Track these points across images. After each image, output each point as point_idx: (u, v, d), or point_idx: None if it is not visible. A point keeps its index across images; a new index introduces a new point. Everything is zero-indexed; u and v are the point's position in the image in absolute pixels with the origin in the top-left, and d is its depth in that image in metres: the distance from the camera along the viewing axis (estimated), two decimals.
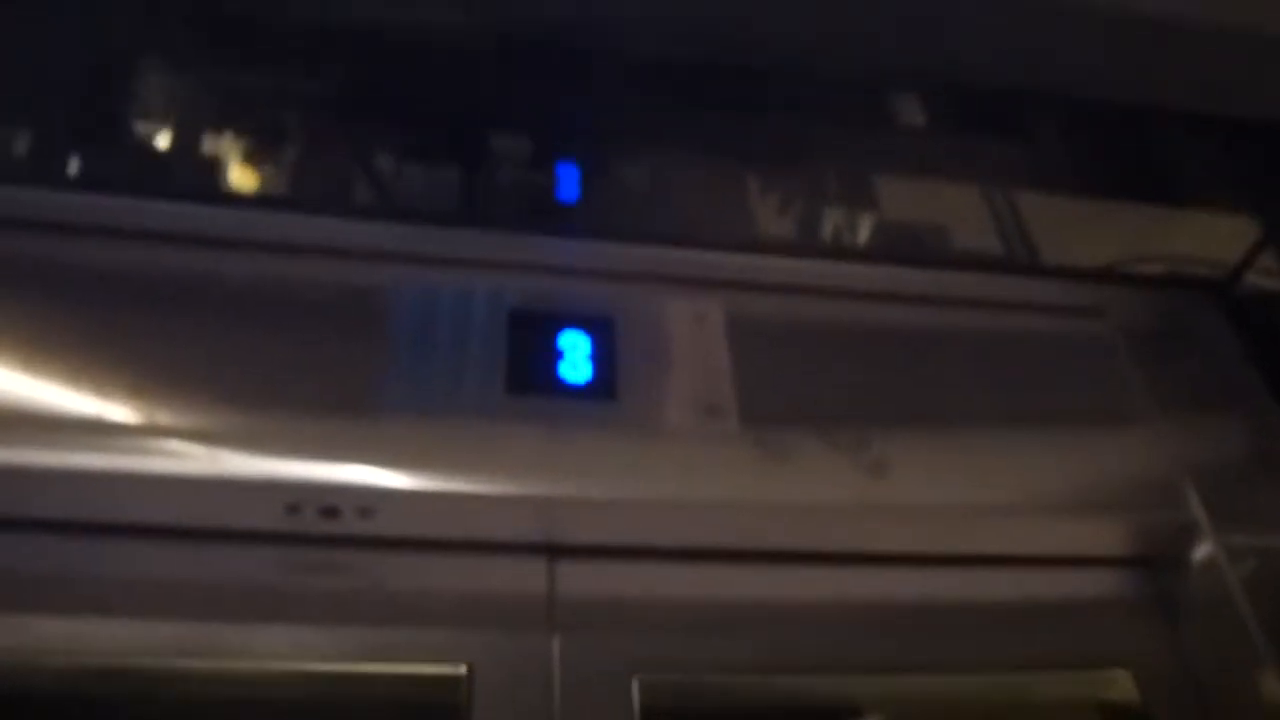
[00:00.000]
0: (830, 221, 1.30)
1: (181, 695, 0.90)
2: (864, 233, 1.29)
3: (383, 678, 0.93)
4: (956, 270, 1.29)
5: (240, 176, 1.15)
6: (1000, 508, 1.09)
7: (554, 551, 1.01)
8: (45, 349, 0.96)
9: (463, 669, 0.92)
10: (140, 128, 1.17)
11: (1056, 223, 1.35)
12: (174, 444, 0.92)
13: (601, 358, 1.06)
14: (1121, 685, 1.07)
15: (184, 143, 1.16)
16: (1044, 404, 1.17)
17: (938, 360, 1.18)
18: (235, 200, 1.11)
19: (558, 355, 1.05)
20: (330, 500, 0.93)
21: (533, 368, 1.04)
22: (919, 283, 1.25)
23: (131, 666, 0.90)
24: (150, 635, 0.90)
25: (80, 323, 0.99)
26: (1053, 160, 1.34)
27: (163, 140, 1.16)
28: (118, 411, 0.93)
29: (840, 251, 1.26)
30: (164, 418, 0.94)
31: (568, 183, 1.18)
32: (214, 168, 1.16)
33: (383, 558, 0.97)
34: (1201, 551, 1.09)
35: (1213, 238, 1.35)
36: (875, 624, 1.05)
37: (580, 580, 1.00)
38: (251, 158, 1.14)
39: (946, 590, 1.09)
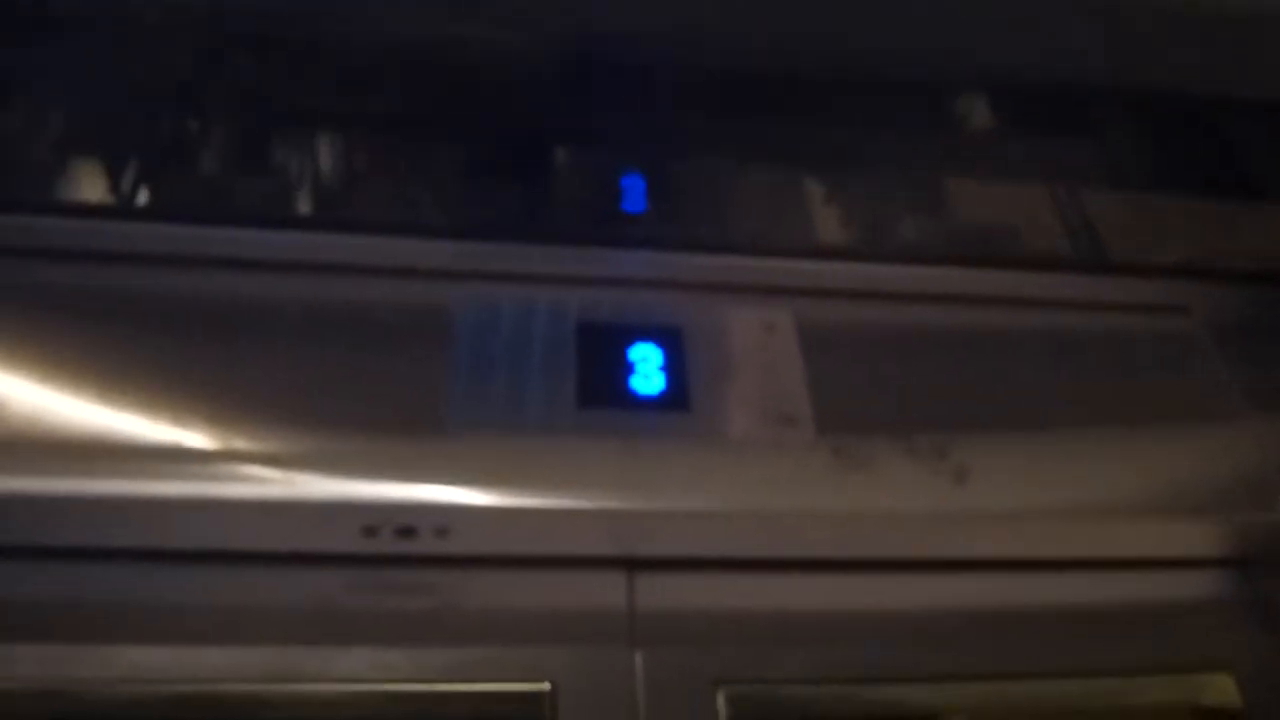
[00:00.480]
0: (899, 225, 1.28)
1: (264, 719, 0.90)
2: (934, 236, 1.27)
3: (465, 697, 0.92)
4: (1031, 271, 1.26)
5: (305, 200, 1.15)
6: (1086, 510, 1.06)
7: (633, 564, 1.00)
8: (122, 379, 0.97)
9: (546, 686, 0.91)
10: (207, 156, 1.18)
11: (1135, 221, 1.32)
12: (251, 469, 0.93)
13: (672, 369, 1.05)
14: (1221, 688, 1.03)
15: (249, 168, 1.17)
16: (1129, 404, 1.14)
17: (1016, 363, 1.16)
18: (302, 223, 1.11)
19: (629, 368, 1.05)
20: (407, 520, 0.93)
21: (604, 381, 1.03)
22: (993, 284, 1.23)
23: (216, 692, 0.90)
24: (234, 661, 0.90)
25: (155, 352, 1.00)
26: (1128, 157, 1.31)
27: (229, 167, 1.17)
28: (195, 439, 0.94)
29: (911, 255, 1.24)
30: (240, 443, 0.94)
31: (633, 194, 1.18)
32: (281, 192, 1.17)
33: (461, 576, 0.97)
34: None
35: None
36: (961, 631, 1.03)
37: (660, 593, 0.99)
38: (316, 180, 1.15)
39: (1033, 595, 1.06)
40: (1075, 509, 1.05)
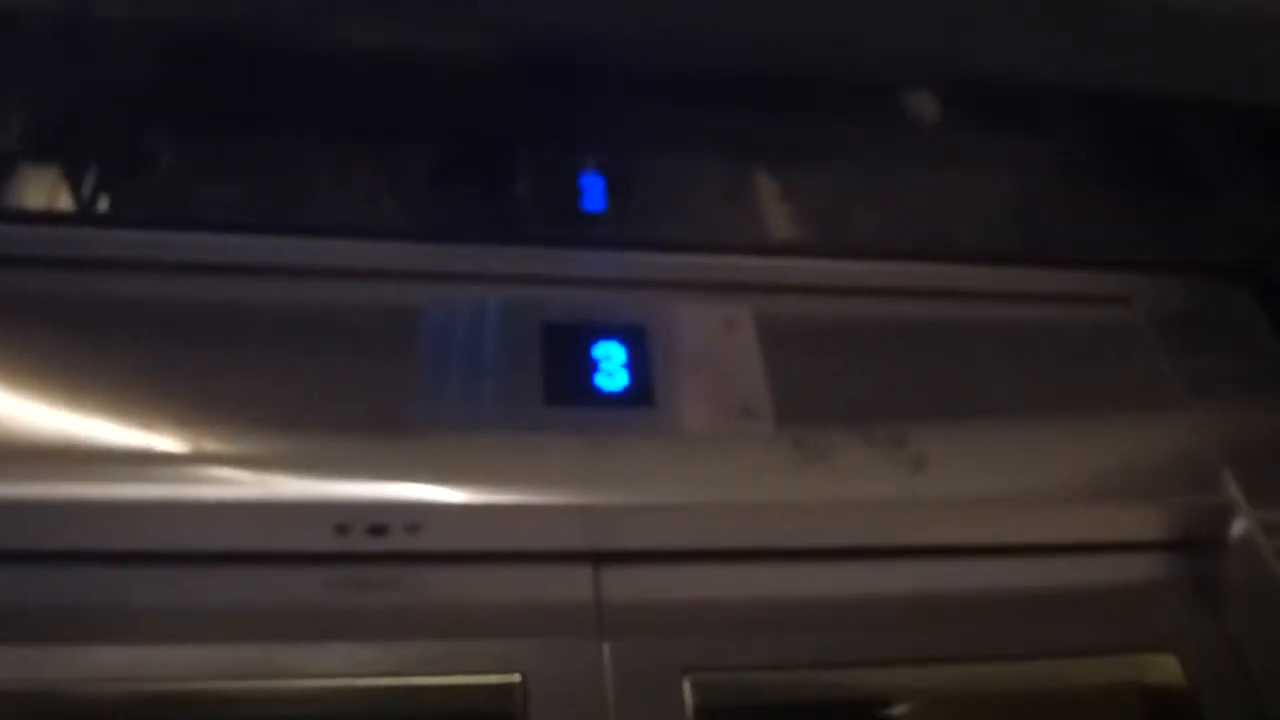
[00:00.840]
0: (852, 221, 1.31)
1: (242, 716, 0.91)
2: (886, 230, 1.30)
3: (439, 690, 0.94)
4: (980, 264, 1.29)
5: (269, 204, 1.16)
6: (1037, 497, 1.09)
7: (599, 558, 1.02)
8: (92, 384, 0.98)
9: (516, 678, 0.93)
10: (168, 161, 1.19)
11: (1079, 214, 1.35)
12: (222, 471, 0.94)
13: (636, 366, 1.08)
14: (1166, 669, 1.07)
15: (211, 174, 1.18)
16: (1077, 393, 1.18)
17: (968, 354, 1.19)
18: (266, 228, 1.12)
19: (593, 365, 1.07)
20: (378, 518, 0.95)
21: (569, 379, 1.06)
22: (944, 278, 1.27)
23: (193, 691, 0.91)
24: (210, 659, 0.91)
25: (124, 357, 1.01)
26: (1072, 152, 1.35)
27: (191, 172, 1.18)
28: (165, 442, 0.95)
29: (863, 250, 1.27)
30: (211, 445, 0.95)
31: (593, 194, 1.20)
32: (245, 197, 1.18)
33: (432, 572, 0.99)
34: (1239, 530, 1.10)
35: (1239, 225, 1.35)
36: (919, 616, 1.06)
37: (626, 585, 1.01)
38: (280, 185, 1.16)
39: (988, 580, 1.10)
40: (1025, 495, 1.09)
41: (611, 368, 1.07)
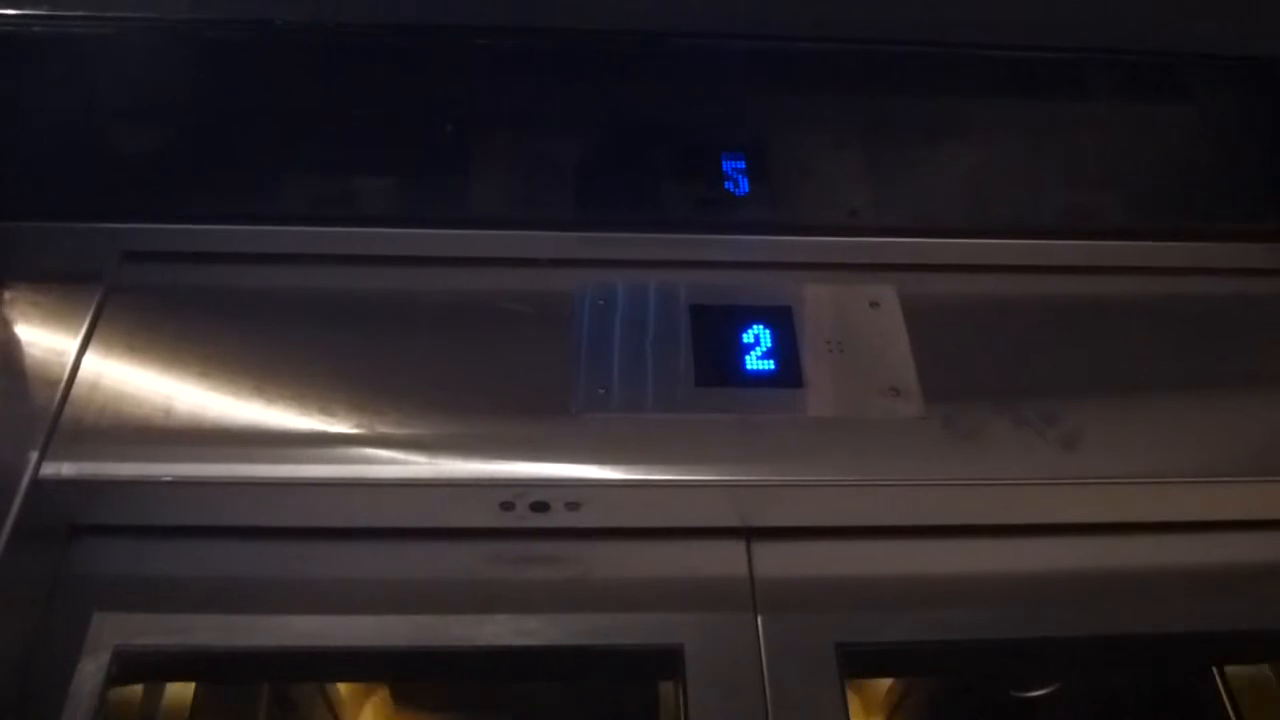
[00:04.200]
0: (998, 197, 1.30)
1: (416, 679, 0.98)
2: (1034, 208, 1.29)
3: (601, 657, 0.99)
4: (1131, 239, 1.27)
5: (431, 198, 1.22)
6: (1192, 474, 1.07)
7: (751, 534, 1.05)
8: (273, 372, 1.06)
9: (675, 647, 0.97)
10: (333, 159, 1.25)
11: (1233, 186, 1.32)
12: (395, 452, 1.00)
13: (783, 347, 1.10)
14: None
15: (376, 169, 1.24)
16: (1231, 367, 1.15)
17: (1119, 330, 1.18)
18: (427, 221, 1.18)
19: (742, 347, 1.10)
20: (540, 496, 1.00)
21: (719, 361, 1.09)
22: (1093, 253, 1.25)
23: (371, 653, 0.98)
24: (386, 628, 0.98)
25: (303, 346, 1.08)
26: (1226, 122, 1.31)
27: (356, 169, 1.23)
28: (342, 425, 1.02)
29: (1011, 228, 1.26)
30: (384, 428, 1.02)
31: (736, 177, 1.22)
32: (401, 191, 1.24)
33: (592, 547, 1.03)
34: None
35: None
36: (1070, 593, 1.06)
37: (778, 560, 1.04)
38: (440, 179, 1.21)
39: (1142, 558, 1.09)
40: (1180, 473, 1.07)
41: (759, 349, 1.09)
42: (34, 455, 0.97)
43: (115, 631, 0.96)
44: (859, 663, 0.98)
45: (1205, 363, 1.16)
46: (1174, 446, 1.08)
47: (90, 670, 0.94)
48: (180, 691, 1.09)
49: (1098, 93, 1.32)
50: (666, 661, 0.97)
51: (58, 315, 1.08)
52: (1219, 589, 1.08)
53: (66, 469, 0.97)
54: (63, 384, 1.02)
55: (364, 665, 0.99)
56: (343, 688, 1.30)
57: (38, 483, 0.96)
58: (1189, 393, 1.13)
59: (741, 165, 1.23)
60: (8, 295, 1.10)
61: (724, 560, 1.03)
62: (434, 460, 0.99)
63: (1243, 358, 1.17)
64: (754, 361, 1.09)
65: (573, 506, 1.00)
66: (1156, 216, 1.31)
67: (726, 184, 1.22)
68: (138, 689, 1.03)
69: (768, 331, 1.11)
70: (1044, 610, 1.05)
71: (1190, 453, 1.08)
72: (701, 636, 0.98)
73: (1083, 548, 1.08)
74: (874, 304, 1.16)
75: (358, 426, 1.01)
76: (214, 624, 0.97)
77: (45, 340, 1.06)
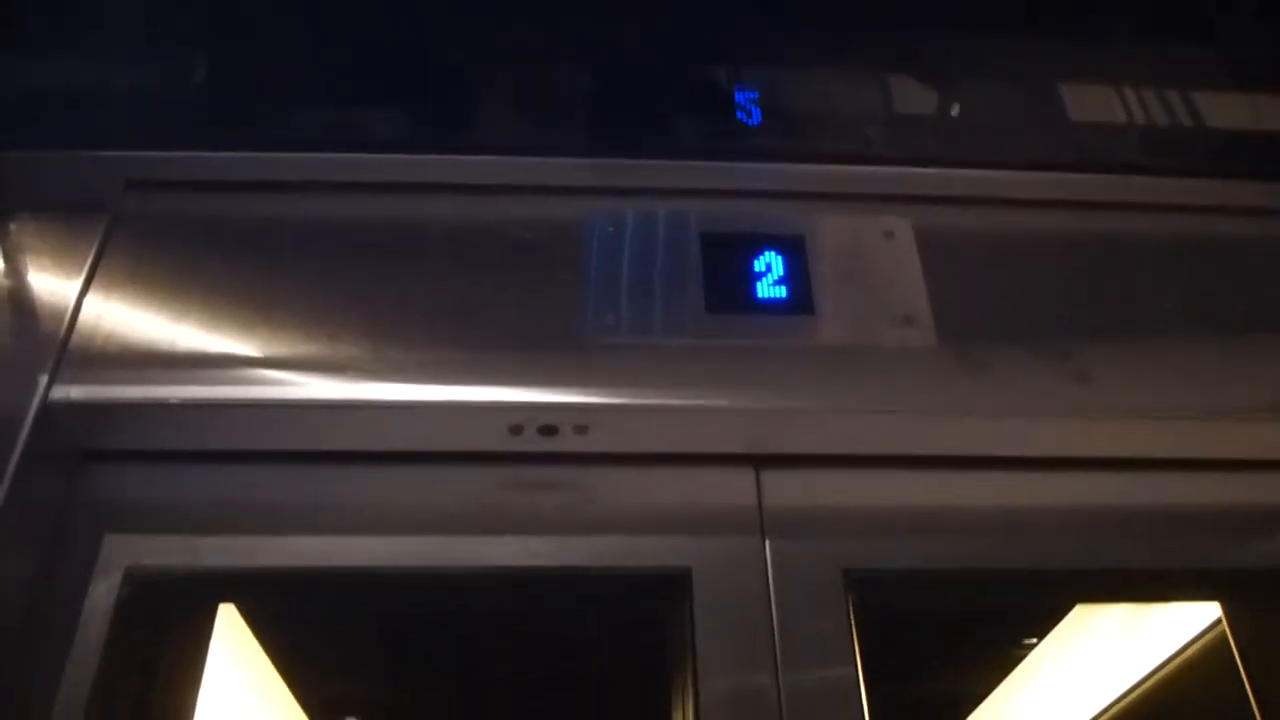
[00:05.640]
0: (1014, 131, 1.28)
1: (424, 598, 0.98)
2: (1053, 141, 1.27)
3: (608, 579, 0.99)
4: (1152, 175, 1.25)
5: (440, 125, 1.20)
6: (1207, 412, 1.06)
7: (760, 462, 1.05)
8: (279, 298, 1.05)
9: (682, 570, 0.97)
10: (343, 87, 1.23)
11: (1253, 124, 1.30)
12: (404, 375, 1.00)
13: (795, 275, 1.09)
14: None
15: (380, 98, 1.23)
16: (1247, 309, 1.14)
17: (1135, 268, 1.16)
18: (436, 147, 1.17)
19: (753, 274, 1.09)
20: (549, 419, 0.99)
21: (730, 288, 1.08)
22: (1110, 189, 1.23)
23: (380, 574, 0.98)
24: (395, 549, 0.98)
25: (309, 272, 1.08)
26: (1249, 61, 1.29)
27: (362, 97, 1.22)
28: (350, 349, 1.01)
29: (1030, 161, 1.24)
30: (393, 352, 1.01)
31: (749, 106, 1.20)
32: (412, 118, 1.22)
33: (600, 473, 1.03)
34: None
35: None
36: (1079, 527, 1.06)
37: (787, 488, 1.04)
38: (449, 106, 1.20)
39: (1152, 495, 1.08)
40: (1194, 411, 1.06)
41: (771, 277, 1.08)
42: (43, 380, 0.97)
43: (126, 553, 0.96)
44: (865, 588, 0.98)
45: (1222, 303, 1.15)
46: (1187, 384, 1.08)
47: (102, 591, 0.94)
48: None
49: (1119, 28, 1.30)
50: (673, 585, 0.97)
51: (63, 243, 1.07)
52: (1226, 528, 1.08)
53: (75, 392, 0.97)
54: (69, 311, 1.02)
55: (371, 586, 0.99)
56: None
57: (47, 407, 0.96)
58: (1204, 332, 1.12)
59: (755, 96, 1.21)
60: (13, 224, 1.09)
61: (732, 487, 1.03)
62: (442, 384, 0.99)
63: (1260, 299, 1.15)
64: (765, 289, 1.08)
65: (581, 430, 1.00)
66: (1176, 153, 1.29)
67: (739, 114, 1.20)
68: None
69: (780, 259, 1.10)
70: (1049, 543, 1.05)
71: (1203, 391, 1.07)
72: (709, 560, 0.98)
73: (1090, 483, 1.08)
74: (888, 234, 1.15)
75: (365, 351, 1.01)
76: (223, 545, 0.98)
77: (51, 268, 1.06)
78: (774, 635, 0.94)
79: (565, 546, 0.99)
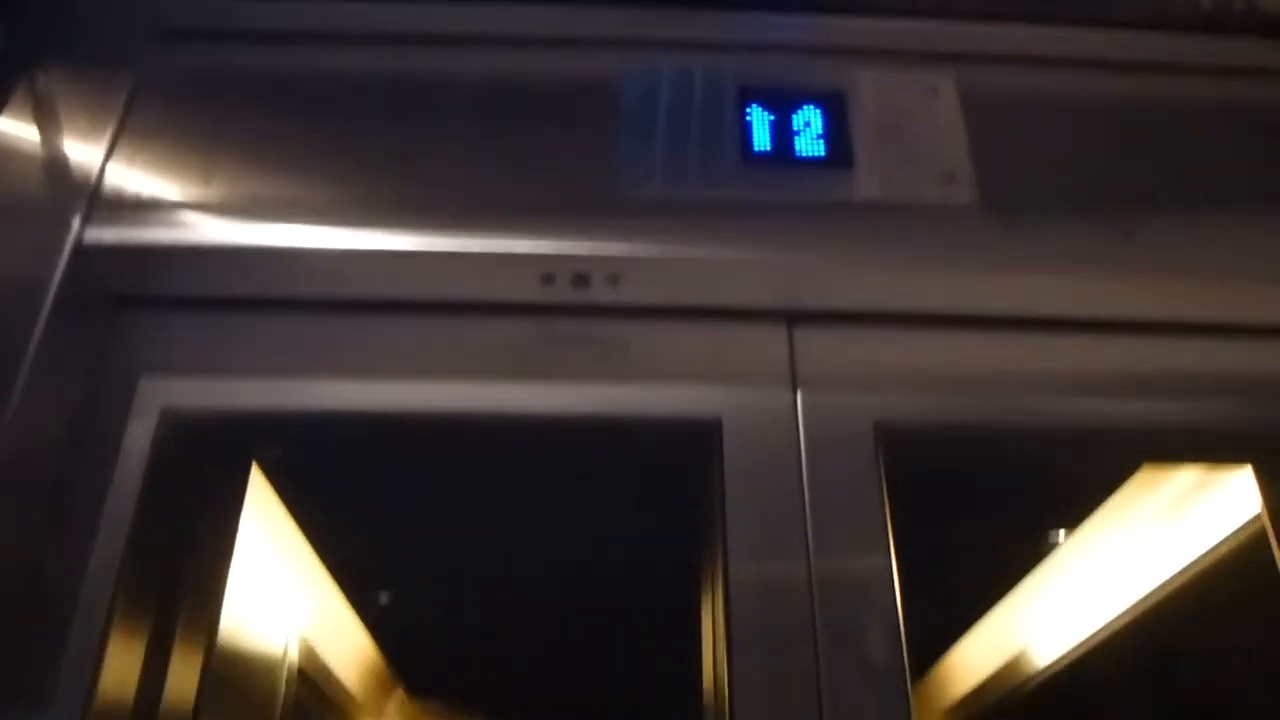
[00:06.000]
0: None
1: (455, 441, 0.98)
2: None
3: (638, 427, 0.99)
4: (1205, 34, 1.20)
5: None
6: (1254, 276, 1.04)
7: (793, 317, 1.03)
8: (310, 149, 1.04)
9: (713, 419, 0.97)
10: None
11: None
12: (438, 223, 0.99)
13: (834, 130, 1.06)
14: None
15: None
16: None
17: (1183, 130, 1.13)
18: None
19: (792, 129, 1.06)
20: (581, 268, 0.99)
21: (768, 142, 1.05)
22: (1160, 49, 1.19)
23: (409, 417, 0.99)
24: (429, 395, 0.99)
25: (339, 125, 1.06)
26: None
27: None
28: (384, 197, 1.01)
29: (1079, 17, 1.19)
30: (428, 202, 1.01)
31: None
32: None
33: (633, 325, 1.02)
34: None
35: None
36: (1114, 388, 1.04)
37: (819, 343, 1.03)
38: None
39: (1186, 360, 1.06)
40: (1241, 274, 1.04)
41: (810, 132, 1.06)
42: (76, 223, 0.97)
43: (162, 395, 0.97)
44: (896, 443, 0.97)
45: (1275, 168, 1.11)
46: (1237, 249, 1.05)
47: (139, 432, 0.95)
48: None
49: None
50: (704, 435, 0.97)
51: (95, 90, 1.06)
52: (1264, 395, 1.05)
53: (108, 235, 0.98)
54: (102, 157, 1.02)
55: (404, 429, 1.00)
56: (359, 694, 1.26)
57: (81, 249, 0.96)
58: (1256, 198, 1.09)
59: None
60: (44, 71, 1.08)
61: (765, 341, 1.02)
62: (475, 232, 0.98)
63: None
64: (804, 144, 1.05)
65: (613, 281, 0.99)
66: (1231, 13, 1.24)
67: None
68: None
69: (819, 114, 1.07)
70: (1084, 403, 1.03)
71: (1252, 255, 1.04)
72: (740, 411, 0.97)
73: (1130, 346, 1.06)
74: (931, 91, 1.12)
75: (399, 200, 1.00)
76: (259, 388, 0.99)
77: (83, 115, 1.05)
78: (803, 487, 0.94)
79: (596, 395, 0.99)
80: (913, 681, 0.89)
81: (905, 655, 0.90)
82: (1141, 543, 1.38)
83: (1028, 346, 1.05)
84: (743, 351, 1.02)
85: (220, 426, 1.00)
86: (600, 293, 1.00)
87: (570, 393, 0.98)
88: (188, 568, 0.99)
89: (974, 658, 2.00)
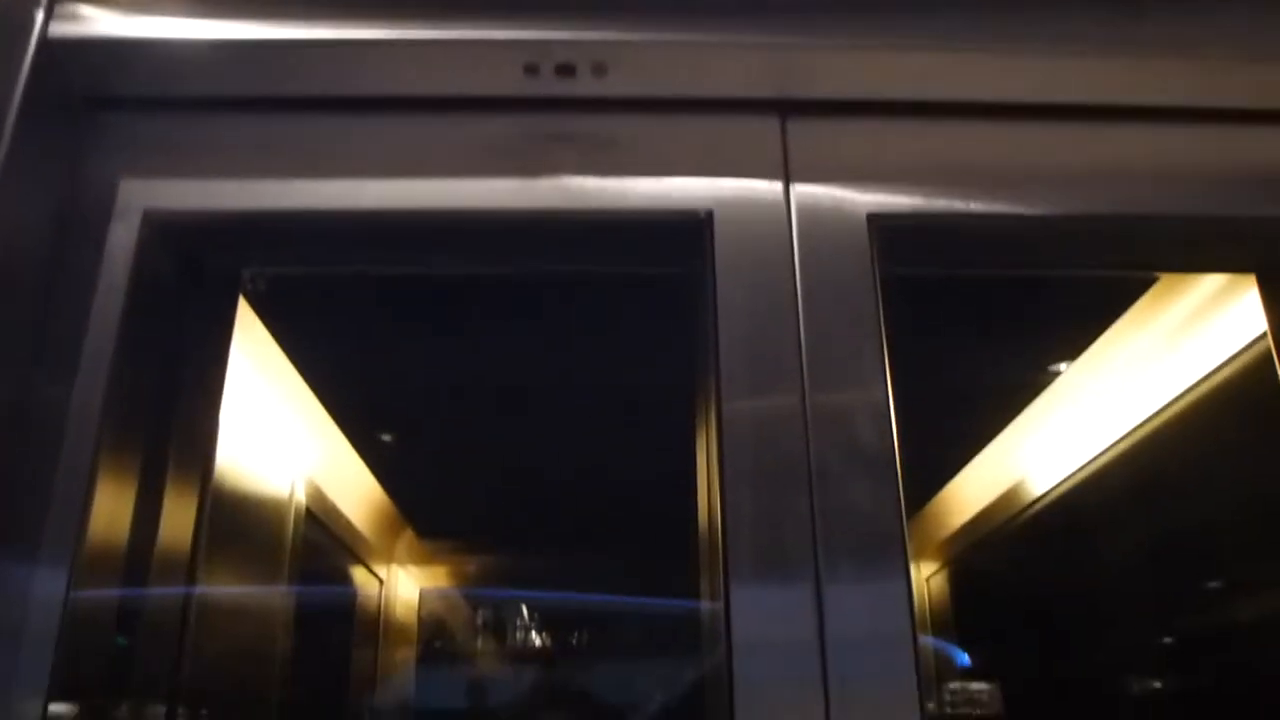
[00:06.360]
0: None
1: (439, 238, 0.96)
2: None
3: (627, 220, 0.97)
4: None
5: None
6: (1266, 56, 0.99)
7: (786, 108, 1.00)
8: None
9: (703, 211, 0.95)
10: None
11: None
12: (416, 12, 0.94)
13: None
14: None
15: None
16: None
17: None
18: None
19: None
20: (566, 57, 0.95)
21: None
22: None
23: (389, 214, 0.97)
24: (415, 192, 0.96)
25: None
26: None
27: None
28: None
29: None
30: None
31: None
32: None
33: (621, 119, 0.99)
34: None
35: None
36: (1108, 177, 1.01)
37: (812, 135, 0.99)
38: None
39: (1187, 149, 1.03)
40: (1251, 53, 0.99)
41: None
42: (39, 16, 0.93)
43: (144, 196, 0.95)
44: (889, 235, 0.95)
45: None
46: (1249, 29, 0.99)
47: (121, 233, 0.93)
48: None
49: None
50: (695, 229, 0.95)
51: None
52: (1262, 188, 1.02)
53: (73, 29, 0.94)
54: None
55: (390, 228, 0.98)
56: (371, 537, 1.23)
57: (46, 43, 0.93)
58: None
59: None
60: None
61: (758, 133, 0.99)
62: (453, 21, 0.94)
63: None
64: None
65: (600, 70, 0.95)
66: None
67: None
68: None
69: None
70: (1084, 195, 1.00)
71: (1264, 37, 0.99)
72: (731, 204, 0.95)
73: (1130, 134, 1.02)
74: None
75: None
76: (242, 189, 0.97)
77: None
78: (795, 279, 0.93)
79: (584, 189, 0.96)
80: (909, 514, 0.88)
81: (899, 447, 0.89)
82: (1145, 364, 1.37)
83: (1027, 135, 1.02)
84: (735, 144, 0.99)
85: (205, 233, 0.98)
86: (587, 85, 0.96)
87: (558, 187, 0.96)
88: (179, 402, 0.99)
89: (972, 489, 2.01)
